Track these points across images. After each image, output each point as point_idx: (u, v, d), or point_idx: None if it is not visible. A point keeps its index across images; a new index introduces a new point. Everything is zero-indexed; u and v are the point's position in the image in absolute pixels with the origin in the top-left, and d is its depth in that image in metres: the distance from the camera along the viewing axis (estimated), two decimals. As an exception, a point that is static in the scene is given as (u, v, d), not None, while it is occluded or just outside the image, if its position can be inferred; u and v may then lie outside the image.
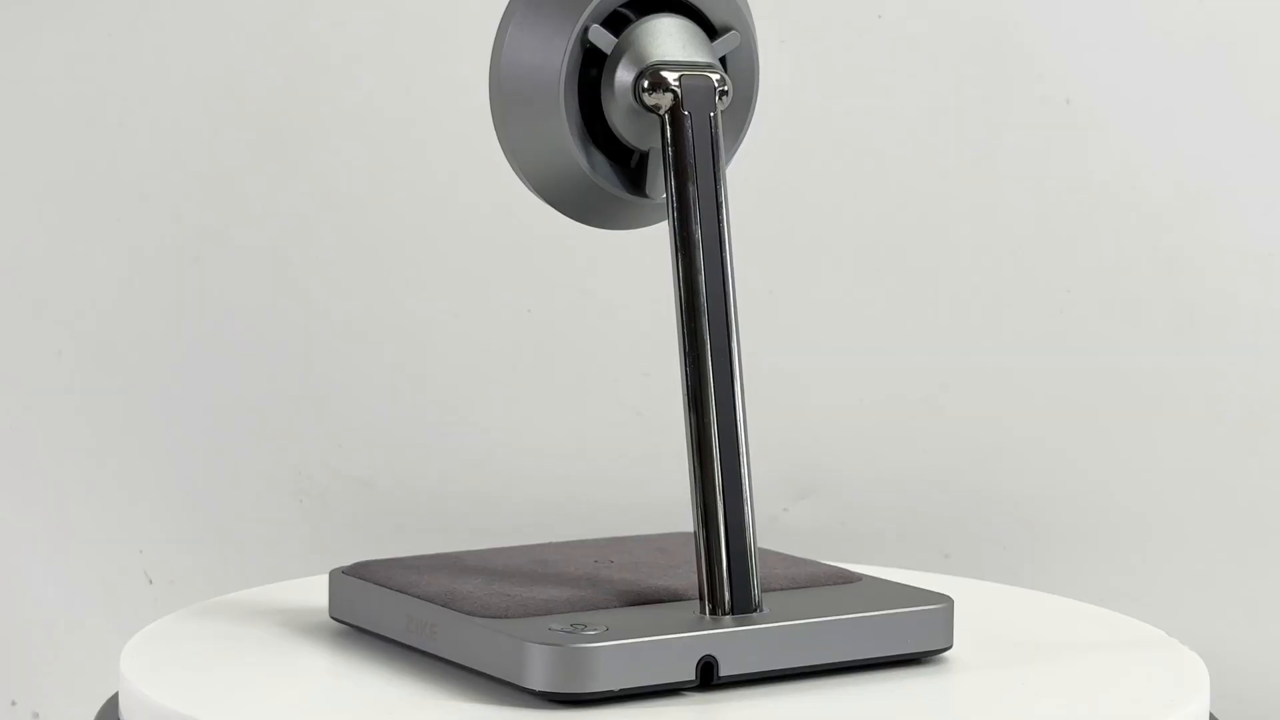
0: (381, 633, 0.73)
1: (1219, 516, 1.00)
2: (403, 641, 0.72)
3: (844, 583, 0.76)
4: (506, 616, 0.69)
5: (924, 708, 0.69)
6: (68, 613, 1.02)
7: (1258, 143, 0.99)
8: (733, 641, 0.68)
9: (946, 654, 0.74)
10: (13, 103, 1.02)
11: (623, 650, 0.66)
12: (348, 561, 0.93)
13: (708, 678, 0.68)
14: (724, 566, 0.70)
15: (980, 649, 0.75)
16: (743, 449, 0.72)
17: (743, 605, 0.70)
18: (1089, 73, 0.99)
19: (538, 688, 0.66)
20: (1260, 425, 0.99)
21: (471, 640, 0.68)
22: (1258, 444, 0.99)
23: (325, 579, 0.83)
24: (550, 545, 0.80)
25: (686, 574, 0.74)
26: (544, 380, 1.01)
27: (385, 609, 0.73)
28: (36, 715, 1.02)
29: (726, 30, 0.74)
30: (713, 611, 0.70)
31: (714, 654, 0.68)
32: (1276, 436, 0.99)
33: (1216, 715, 0.74)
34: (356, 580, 0.75)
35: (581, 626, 0.67)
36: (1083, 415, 1.00)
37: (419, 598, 0.71)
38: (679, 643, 0.67)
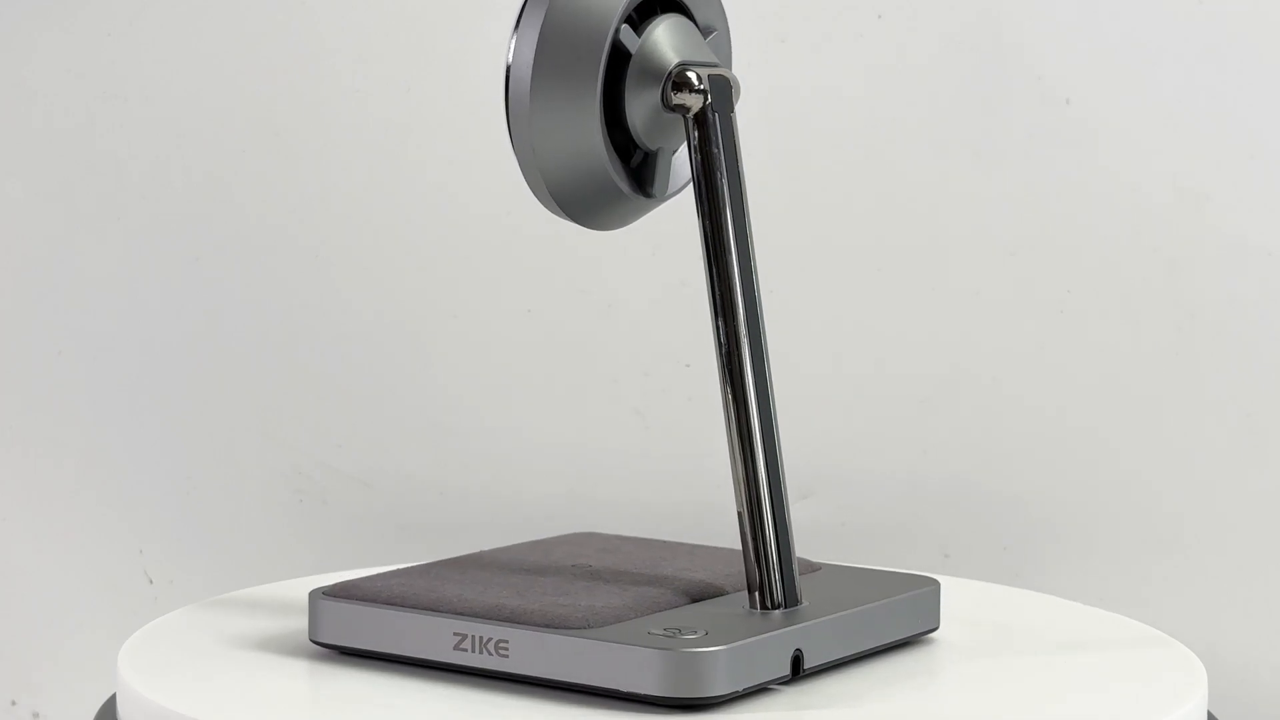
0: (402, 654, 0.71)
1: (1218, 517, 1.00)
2: (443, 661, 0.70)
3: (811, 572, 0.77)
4: (588, 625, 0.67)
5: (939, 696, 0.71)
6: (68, 613, 1.02)
7: (1256, 144, 0.99)
8: (816, 634, 0.70)
9: (940, 642, 0.76)
10: (12, 102, 1.02)
11: (738, 651, 0.67)
12: (348, 562, 0.93)
13: (795, 671, 0.69)
14: (777, 563, 0.72)
15: (980, 646, 0.76)
16: (779, 446, 0.73)
17: (791, 600, 0.72)
18: (1088, 73, 0.99)
19: (660, 694, 0.66)
20: (1258, 427, 1.00)
21: (562, 652, 0.67)
22: (1256, 445, 1.00)
23: (324, 579, 0.83)
24: (496, 550, 0.79)
25: (677, 569, 0.75)
26: (543, 380, 1.01)
27: (409, 630, 0.71)
28: (36, 715, 1.02)
29: (710, 29, 0.75)
30: (763, 605, 0.72)
31: (802, 648, 0.69)
32: (1274, 438, 0.99)
33: (1214, 714, 0.74)
34: (352, 603, 0.72)
35: (676, 630, 0.68)
36: (1082, 416, 1.00)
37: (471, 616, 0.70)
38: (778, 639, 0.69)
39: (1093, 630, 0.81)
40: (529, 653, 0.68)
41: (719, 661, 0.66)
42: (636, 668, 0.66)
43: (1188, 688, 0.72)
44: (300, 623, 0.76)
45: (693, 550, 0.80)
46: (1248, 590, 1.00)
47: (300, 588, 0.83)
